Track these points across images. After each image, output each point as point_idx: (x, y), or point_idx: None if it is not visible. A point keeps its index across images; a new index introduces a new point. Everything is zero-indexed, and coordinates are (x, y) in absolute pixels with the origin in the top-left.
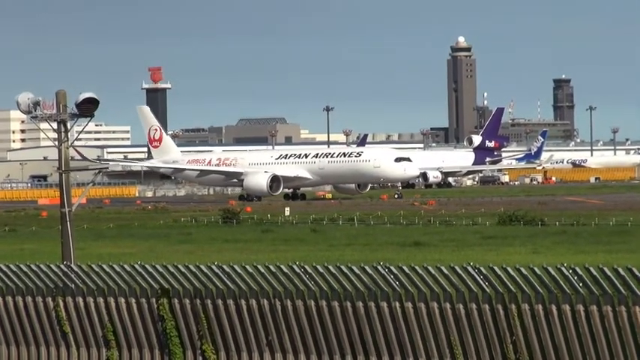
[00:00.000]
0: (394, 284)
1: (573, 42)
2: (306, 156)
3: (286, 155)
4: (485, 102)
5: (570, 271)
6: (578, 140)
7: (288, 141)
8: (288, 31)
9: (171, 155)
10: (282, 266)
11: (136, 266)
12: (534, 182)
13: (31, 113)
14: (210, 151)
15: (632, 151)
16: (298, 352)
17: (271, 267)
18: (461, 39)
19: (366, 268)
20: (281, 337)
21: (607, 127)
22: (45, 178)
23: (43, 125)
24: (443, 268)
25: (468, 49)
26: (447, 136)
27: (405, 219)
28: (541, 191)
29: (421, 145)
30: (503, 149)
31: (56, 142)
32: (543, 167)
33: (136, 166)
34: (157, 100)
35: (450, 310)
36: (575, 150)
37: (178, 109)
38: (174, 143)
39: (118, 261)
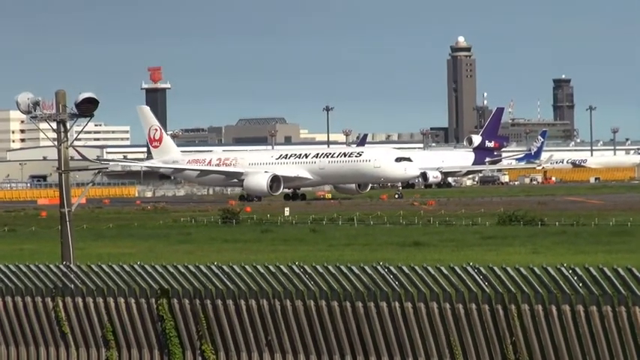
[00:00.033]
0: (394, 284)
1: (573, 42)
2: (306, 156)
3: (286, 155)
4: (485, 102)
5: (570, 272)
6: (578, 140)
7: (288, 141)
8: (288, 31)
9: (171, 155)
10: (281, 266)
11: (136, 266)
12: (534, 182)
13: (31, 113)
14: (211, 151)
15: (632, 151)
16: (298, 353)
17: (271, 267)
18: (461, 39)
19: (366, 268)
20: (280, 337)
21: (607, 127)
22: (44, 178)
23: (43, 125)
24: (442, 268)
25: (468, 49)
26: (447, 136)
27: (404, 219)
28: (541, 191)
29: (421, 145)
30: (503, 149)
31: (56, 142)
32: (543, 167)
33: (136, 166)
34: (156, 100)
35: (450, 310)
36: (575, 150)
37: (178, 109)
38: (174, 143)
39: (118, 261)
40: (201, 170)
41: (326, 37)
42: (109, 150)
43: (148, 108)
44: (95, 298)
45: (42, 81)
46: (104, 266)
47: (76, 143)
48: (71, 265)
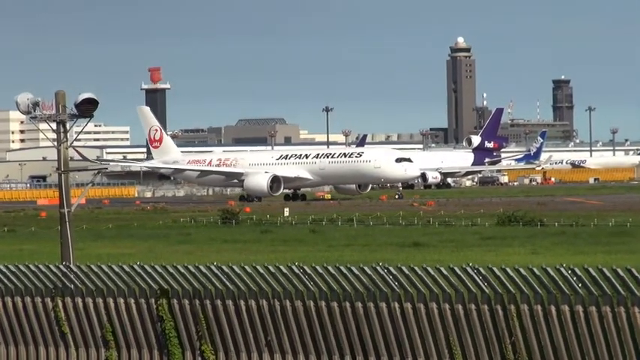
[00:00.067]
0: (393, 285)
1: (573, 42)
2: (306, 156)
3: (287, 156)
4: (485, 102)
5: (569, 272)
6: (578, 141)
7: (288, 141)
8: (288, 31)
9: (171, 155)
10: (281, 267)
11: (135, 267)
12: (533, 183)
13: (31, 114)
14: (211, 151)
15: (632, 152)
16: (297, 353)
17: (270, 267)
18: (460, 39)
19: (365, 268)
20: (280, 337)
21: (606, 127)
22: (44, 178)
23: (43, 126)
24: (442, 268)
25: (468, 50)
26: (447, 137)
27: (404, 219)
28: (540, 192)
29: (420, 146)
30: (503, 150)
31: (55, 143)
32: (542, 168)
33: (135, 167)
34: (156, 100)
35: (449, 310)
36: (575, 150)
37: (178, 110)
38: (174, 144)
39: (117, 261)
40: (201, 171)
41: (326, 37)
42: (109, 150)
43: (147, 108)
44: (95, 299)
45: (42, 81)
46: (104, 266)
47: (75, 144)
48: (71, 266)
